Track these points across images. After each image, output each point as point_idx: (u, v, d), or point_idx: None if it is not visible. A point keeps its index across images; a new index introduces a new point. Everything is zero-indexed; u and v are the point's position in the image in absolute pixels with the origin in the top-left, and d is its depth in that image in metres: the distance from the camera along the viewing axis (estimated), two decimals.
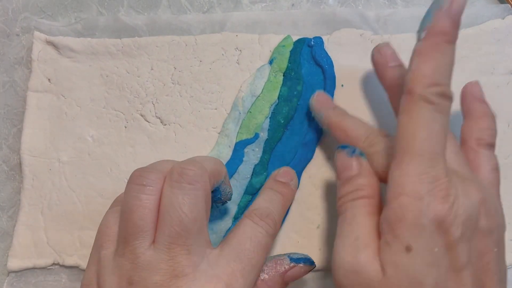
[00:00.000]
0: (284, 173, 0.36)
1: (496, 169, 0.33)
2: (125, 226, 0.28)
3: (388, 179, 0.28)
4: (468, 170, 0.30)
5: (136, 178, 0.29)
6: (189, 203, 0.27)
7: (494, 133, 0.33)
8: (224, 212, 0.38)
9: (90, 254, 0.30)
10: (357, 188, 0.31)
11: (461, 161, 0.30)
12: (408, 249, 0.26)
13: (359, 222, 0.29)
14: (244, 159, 0.39)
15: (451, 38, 0.27)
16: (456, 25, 0.27)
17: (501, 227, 0.29)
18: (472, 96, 0.35)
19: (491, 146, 0.33)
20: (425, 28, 0.28)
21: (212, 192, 0.32)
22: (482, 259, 0.27)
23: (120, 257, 0.28)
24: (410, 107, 0.27)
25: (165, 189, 0.28)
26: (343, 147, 0.32)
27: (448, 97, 0.28)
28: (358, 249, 0.28)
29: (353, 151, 0.32)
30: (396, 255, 0.26)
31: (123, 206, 0.29)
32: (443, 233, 0.26)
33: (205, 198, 0.28)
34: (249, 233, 0.30)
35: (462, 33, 0.41)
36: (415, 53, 0.28)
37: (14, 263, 0.38)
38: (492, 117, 0.34)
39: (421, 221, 0.26)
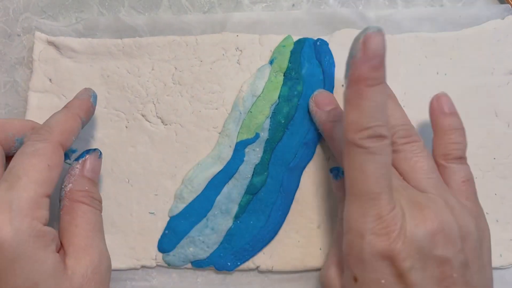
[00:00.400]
0: None
1: (468, 179, 0.33)
2: None
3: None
4: (437, 191, 0.31)
5: None
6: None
7: (462, 146, 0.34)
8: (225, 212, 0.38)
9: None
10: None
11: (431, 182, 0.31)
12: (355, 279, 0.29)
13: (336, 239, 0.34)
14: (244, 159, 0.39)
15: (373, 82, 0.27)
16: (375, 68, 0.27)
17: (470, 250, 0.29)
18: (438, 110, 0.35)
19: (461, 159, 0.34)
20: (347, 75, 0.28)
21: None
22: (440, 285, 0.28)
23: None
24: (348, 152, 0.29)
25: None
26: (331, 171, 0.36)
27: (380, 137, 0.28)
28: (328, 265, 0.33)
29: (337, 175, 0.36)
30: (348, 281, 0.30)
31: None
32: (390, 265, 0.28)
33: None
34: None
35: (462, 33, 0.41)
36: (344, 101, 0.29)
37: None
38: (459, 130, 0.34)
39: (363, 256, 0.28)
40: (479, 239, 0.30)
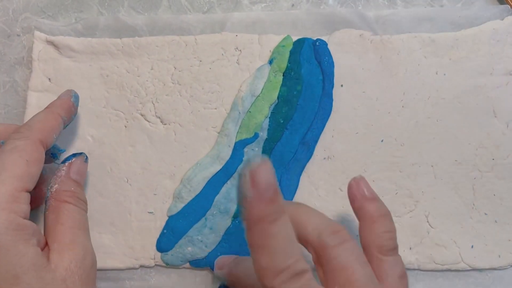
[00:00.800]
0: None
1: (403, 275, 0.30)
2: None
3: None
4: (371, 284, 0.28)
5: None
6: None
7: (394, 234, 0.31)
8: (224, 211, 0.38)
9: None
10: None
11: (365, 278, 0.27)
12: None
13: None
14: (243, 158, 0.39)
15: (274, 216, 0.24)
16: (272, 201, 0.24)
17: None
18: (360, 196, 0.31)
19: (394, 249, 0.30)
20: (243, 216, 0.24)
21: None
22: None
23: None
24: None
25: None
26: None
27: (301, 273, 0.25)
28: None
29: None
30: None
31: None
32: None
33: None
34: None
35: (462, 33, 0.41)
36: (249, 245, 0.25)
37: None
38: (387, 216, 0.31)
39: None
40: None
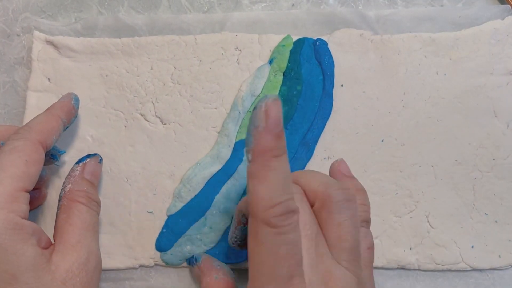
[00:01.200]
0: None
1: (371, 247, 0.31)
2: None
3: None
4: (352, 265, 0.28)
5: None
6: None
7: (368, 208, 0.32)
8: (224, 211, 0.38)
9: None
10: None
11: (349, 255, 0.28)
12: None
13: None
14: (243, 158, 0.39)
15: (278, 152, 0.26)
16: (279, 137, 0.26)
17: None
18: (340, 172, 0.33)
19: (367, 222, 0.32)
20: (250, 149, 0.26)
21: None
22: None
23: None
24: (255, 232, 0.26)
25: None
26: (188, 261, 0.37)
27: (291, 212, 0.26)
28: None
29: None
30: None
31: None
32: None
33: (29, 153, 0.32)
34: None
35: (462, 33, 0.41)
36: (249, 176, 0.26)
37: None
38: (363, 191, 0.32)
39: None
40: None
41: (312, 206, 0.29)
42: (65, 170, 0.40)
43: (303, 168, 0.39)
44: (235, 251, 0.38)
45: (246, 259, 0.38)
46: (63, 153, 0.38)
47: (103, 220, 0.39)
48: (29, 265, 0.29)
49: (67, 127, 0.37)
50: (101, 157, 0.38)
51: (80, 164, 0.36)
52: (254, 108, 0.25)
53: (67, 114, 0.37)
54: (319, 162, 0.39)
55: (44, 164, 0.33)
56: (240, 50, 0.41)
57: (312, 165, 0.39)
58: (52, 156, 0.37)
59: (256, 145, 0.25)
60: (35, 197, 0.38)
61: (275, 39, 0.41)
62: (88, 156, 0.37)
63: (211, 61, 0.41)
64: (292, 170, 0.39)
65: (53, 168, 0.40)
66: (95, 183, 0.36)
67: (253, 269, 0.27)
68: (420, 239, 0.38)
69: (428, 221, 0.39)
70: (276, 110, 0.25)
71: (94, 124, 0.41)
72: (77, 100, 0.38)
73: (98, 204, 0.35)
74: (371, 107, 0.40)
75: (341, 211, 0.28)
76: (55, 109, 0.36)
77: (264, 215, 0.25)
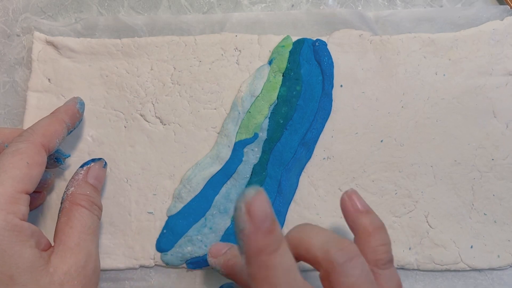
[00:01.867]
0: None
1: (399, 285, 0.30)
2: None
3: None
4: None
5: None
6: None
7: (389, 247, 0.31)
8: (223, 211, 0.38)
9: None
10: None
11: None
12: None
13: None
14: (243, 159, 0.39)
15: (273, 247, 0.24)
16: (270, 232, 0.24)
17: None
18: (353, 209, 0.31)
19: (390, 262, 0.30)
20: (242, 252, 0.24)
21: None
22: None
23: None
24: None
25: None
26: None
27: None
28: None
29: None
30: None
31: None
32: None
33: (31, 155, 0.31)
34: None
35: (461, 34, 0.41)
36: (249, 278, 0.25)
37: None
38: (381, 229, 0.31)
39: None
40: None
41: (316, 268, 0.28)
42: (65, 172, 0.40)
43: (303, 168, 0.39)
44: None
45: None
46: (67, 157, 0.38)
47: (103, 220, 0.39)
48: (27, 267, 0.29)
49: (71, 131, 0.37)
50: (105, 162, 0.38)
51: (84, 168, 0.36)
52: (235, 209, 0.23)
53: (71, 118, 0.37)
54: (319, 162, 0.39)
55: (49, 168, 0.33)
56: (239, 50, 0.41)
57: (311, 165, 0.39)
58: (56, 159, 0.37)
59: (247, 249, 0.24)
60: (34, 198, 0.38)
61: (274, 40, 0.41)
62: (93, 160, 0.37)
63: (211, 61, 0.41)
64: (292, 170, 0.39)
65: (58, 171, 0.40)
66: (98, 187, 0.36)
67: None
68: (419, 239, 0.38)
69: (427, 221, 0.39)
70: (259, 204, 0.23)
71: (94, 125, 0.41)
72: (82, 104, 0.38)
73: (100, 208, 0.35)
74: (371, 108, 0.40)
75: (348, 274, 0.26)
76: (60, 113, 0.36)
77: None
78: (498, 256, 0.38)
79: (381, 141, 0.40)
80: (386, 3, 0.44)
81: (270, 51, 0.41)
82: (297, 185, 0.39)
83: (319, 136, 0.39)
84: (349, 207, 0.31)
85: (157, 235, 0.39)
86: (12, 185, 0.30)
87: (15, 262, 0.28)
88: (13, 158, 0.31)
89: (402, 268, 0.39)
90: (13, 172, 0.30)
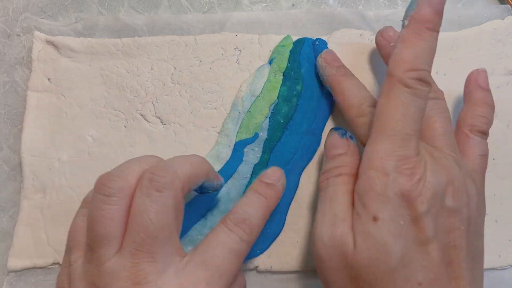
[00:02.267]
0: (270, 173, 0.34)
1: (484, 155, 0.33)
2: (90, 234, 0.28)
3: (363, 154, 0.30)
4: (451, 151, 0.31)
5: (100, 187, 0.28)
6: (156, 210, 0.27)
7: (488, 121, 0.34)
8: (224, 211, 0.38)
9: (63, 256, 0.31)
10: (341, 165, 0.32)
11: (447, 142, 0.31)
12: (375, 219, 0.27)
13: (339, 199, 0.30)
14: (243, 158, 0.39)
15: (433, 26, 0.28)
16: (438, 13, 0.28)
17: (473, 210, 0.29)
18: (475, 82, 0.36)
19: (483, 133, 0.34)
20: (409, 16, 0.29)
21: (199, 188, 0.33)
22: (449, 236, 0.28)
23: (88, 263, 0.28)
24: (389, 90, 0.29)
25: (135, 195, 0.28)
26: (336, 129, 0.34)
27: (426, 83, 0.29)
28: (335, 224, 0.29)
29: (344, 134, 0.34)
30: (364, 224, 0.28)
31: (89, 214, 0.28)
32: (408, 207, 0.27)
33: (175, 206, 0.28)
34: (221, 239, 0.30)
35: (462, 33, 0.41)
36: (399, 39, 0.29)
37: (14, 263, 0.38)
38: (490, 106, 0.35)
39: (386, 193, 0.27)
40: (478, 207, 0.30)
41: None
42: (66, 171, 0.40)
43: (303, 168, 0.39)
44: None
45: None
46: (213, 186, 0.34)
47: None
48: None
49: (201, 186, 0.33)
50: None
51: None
52: None
53: (208, 178, 0.33)
54: (321, 162, 0.39)
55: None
56: (240, 50, 0.41)
57: (313, 165, 0.39)
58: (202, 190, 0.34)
59: (416, 12, 0.29)
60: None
61: (275, 39, 0.41)
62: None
63: (211, 61, 0.41)
64: (293, 170, 0.39)
65: (57, 170, 0.40)
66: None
67: (377, 123, 0.29)
68: None
69: None
70: None
71: (94, 124, 0.41)
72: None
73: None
74: None
75: (430, 106, 0.32)
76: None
77: (403, 75, 0.28)
78: (499, 256, 0.38)
79: None
80: (387, 3, 0.44)
81: (270, 50, 0.41)
82: (297, 185, 0.39)
83: (319, 136, 0.39)
84: (473, 79, 0.36)
85: None
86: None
87: None
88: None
89: None
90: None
